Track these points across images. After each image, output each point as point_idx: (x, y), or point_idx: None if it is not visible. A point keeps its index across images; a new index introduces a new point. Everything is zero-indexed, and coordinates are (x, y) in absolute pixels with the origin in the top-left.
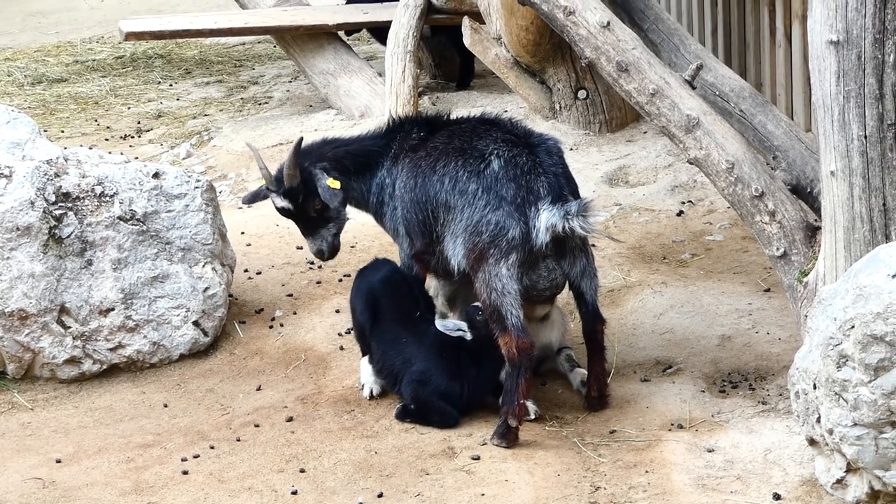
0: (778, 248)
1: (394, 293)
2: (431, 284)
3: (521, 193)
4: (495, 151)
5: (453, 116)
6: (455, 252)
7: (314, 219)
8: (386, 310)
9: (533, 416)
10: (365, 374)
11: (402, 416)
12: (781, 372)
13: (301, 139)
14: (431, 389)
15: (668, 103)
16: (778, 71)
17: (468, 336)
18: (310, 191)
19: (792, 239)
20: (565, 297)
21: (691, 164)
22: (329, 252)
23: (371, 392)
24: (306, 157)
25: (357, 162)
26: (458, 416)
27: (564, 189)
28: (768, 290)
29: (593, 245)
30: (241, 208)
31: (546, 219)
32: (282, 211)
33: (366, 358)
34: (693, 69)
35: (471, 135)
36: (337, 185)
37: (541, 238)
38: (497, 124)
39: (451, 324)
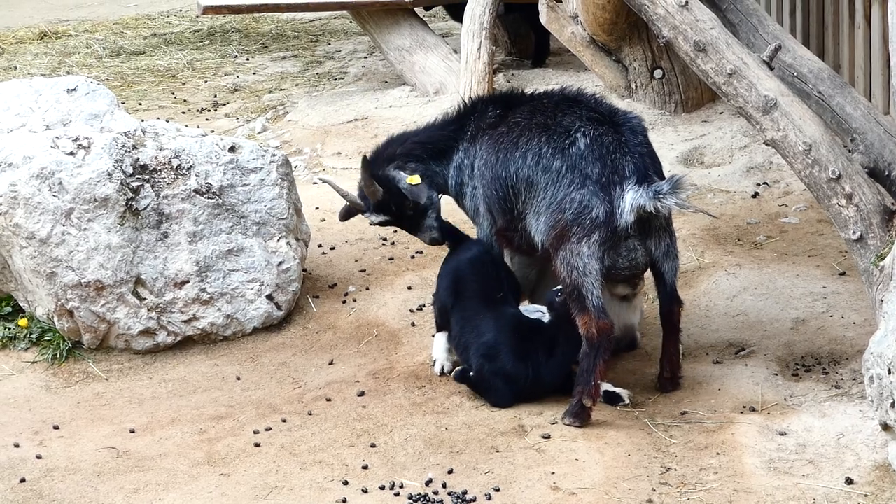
0: (854, 232)
1: (479, 273)
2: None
3: (607, 173)
4: (581, 129)
5: (530, 92)
6: (538, 230)
7: (413, 216)
8: (470, 289)
9: (627, 402)
10: (437, 351)
11: (460, 379)
12: (855, 356)
13: (365, 156)
14: (496, 367)
15: (745, 84)
16: (857, 53)
17: (546, 318)
18: (396, 195)
19: (868, 222)
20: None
21: (768, 145)
22: (441, 235)
23: (442, 368)
24: (378, 164)
25: (428, 150)
26: (512, 402)
27: (649, 169)
28: (843, 273)
29: None
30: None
31: (631, 199)
32: (382, 224)
33: (439, 334)
34: (771, 50)
35: (554, 111)
36: (417, 179)
37: (625, 218)
38: (580, 101)
39: (531, 307)
